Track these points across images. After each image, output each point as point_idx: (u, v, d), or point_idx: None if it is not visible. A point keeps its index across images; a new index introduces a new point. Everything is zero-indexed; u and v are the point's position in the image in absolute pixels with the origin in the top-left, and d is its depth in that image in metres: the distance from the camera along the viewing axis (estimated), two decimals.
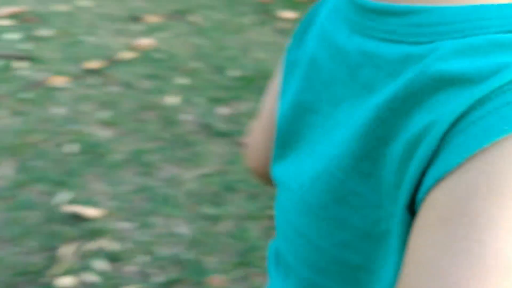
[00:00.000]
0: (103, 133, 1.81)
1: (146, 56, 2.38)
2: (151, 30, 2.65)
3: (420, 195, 0.29)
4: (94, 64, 2.25)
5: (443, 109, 0.29)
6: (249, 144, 0.57)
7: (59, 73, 2.15)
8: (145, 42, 2.48)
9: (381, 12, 0.35)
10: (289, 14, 2.92)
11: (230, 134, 1.81)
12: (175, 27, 2.72)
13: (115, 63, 2.30)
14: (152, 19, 2.79)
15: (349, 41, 0.38)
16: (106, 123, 1.86)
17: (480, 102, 0.27)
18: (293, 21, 2.85)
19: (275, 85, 0.52)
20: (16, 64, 2.21)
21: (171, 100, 2.02)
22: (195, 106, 1.99)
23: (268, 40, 2.62)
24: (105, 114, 1.92)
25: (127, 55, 2.36)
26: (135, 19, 2.78)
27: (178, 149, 1.72)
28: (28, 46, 2.36)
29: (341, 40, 0.39)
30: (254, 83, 2.16)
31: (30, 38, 2.44)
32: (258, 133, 0.55)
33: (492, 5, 0.32)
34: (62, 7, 2.82)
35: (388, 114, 0.32)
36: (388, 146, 0.32)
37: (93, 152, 1.70)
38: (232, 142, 1.77)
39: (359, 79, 0.36)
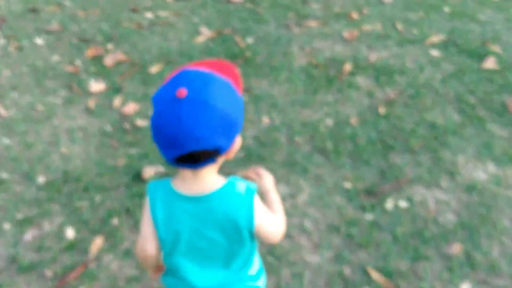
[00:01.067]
0: None
1: None
2: None
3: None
4: None
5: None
6: (139, 250, 1.21)
7: None
8: None
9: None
10: (98, 86, 3.04)
11: (36, 266, 1.96)
12: None
13: None
14: None
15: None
16: None
17: None
18: (102, 95, 2.98)
19: (146, 215, 1.16)
20: None
21: None
22: (3, 234, 2.10)
23: (77, 125, 2.74)
24: None
25: None
26: None
27: None
28: None
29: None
30: (61, 191, 2.30)
31: None
32: (144, 243, 1.19)
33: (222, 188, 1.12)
34: None
35: None
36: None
37: None
38: (38, 277, 1.93)
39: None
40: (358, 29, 3.61)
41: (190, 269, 1.20)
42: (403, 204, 2.19)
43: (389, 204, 2.17)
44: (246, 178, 1.30)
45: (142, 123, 2.75)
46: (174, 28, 3.75)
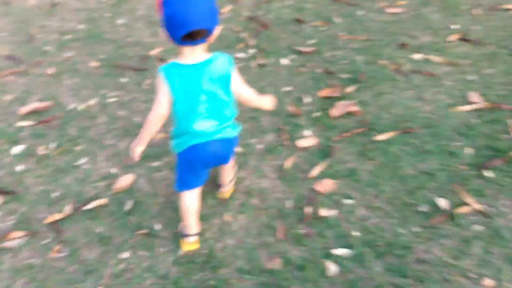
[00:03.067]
0: None
1: None
2: None
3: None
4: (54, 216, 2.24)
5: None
6: (155, 114, 1.74)
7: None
8: None
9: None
10: (308, 141, 2.55)
11: None
12: None
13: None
14: None
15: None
16: None
17: None
18: (305, 154, 2.48)
19: (163, 88, 1.68)
20: None
21: None
22: None
23: (264, 187, 2.33)
24: None
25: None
26: None
27: None
28: None
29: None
30: None
31: None
32: (160, 107, 1.72)
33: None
34: None
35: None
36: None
37: None
38: None
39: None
40: None
41: (201, 122, 1.73)
42: None
43: None
44: None
45: (326, 213, 2.15)
46: (438, 83, 2.92)
